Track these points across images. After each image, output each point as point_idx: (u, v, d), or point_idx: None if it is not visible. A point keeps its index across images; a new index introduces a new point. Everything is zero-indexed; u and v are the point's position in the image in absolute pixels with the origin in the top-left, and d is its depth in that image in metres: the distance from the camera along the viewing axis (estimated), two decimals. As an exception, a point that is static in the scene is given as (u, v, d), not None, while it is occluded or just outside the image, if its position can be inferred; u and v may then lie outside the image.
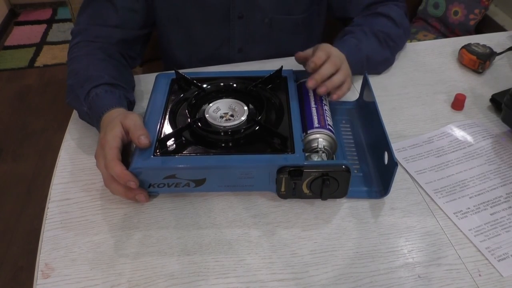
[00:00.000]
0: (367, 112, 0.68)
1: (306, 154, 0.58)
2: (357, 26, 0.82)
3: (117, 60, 0.75)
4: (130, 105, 0.70)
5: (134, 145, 0.59)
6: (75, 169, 0.65)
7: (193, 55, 0.91)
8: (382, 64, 0.83)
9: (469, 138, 0.69)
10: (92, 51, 0.74)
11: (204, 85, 0.68)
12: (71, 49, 0.76)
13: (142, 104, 0.76)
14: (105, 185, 0.58)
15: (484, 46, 0.84)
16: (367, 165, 0.63)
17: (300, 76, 0.71)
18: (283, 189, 0.58)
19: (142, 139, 0.56)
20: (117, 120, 0.59)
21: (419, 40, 1.55)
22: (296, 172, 0.55)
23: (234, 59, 0.90)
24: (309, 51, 0.72)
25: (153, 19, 0.85)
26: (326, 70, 0.65)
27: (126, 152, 0.60)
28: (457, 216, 0.58)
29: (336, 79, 0.66)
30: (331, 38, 0.98)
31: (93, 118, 0.66)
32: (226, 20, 0.84)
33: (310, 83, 0.64)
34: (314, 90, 0.67)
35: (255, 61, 0.86)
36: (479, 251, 0.54)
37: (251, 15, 0.84)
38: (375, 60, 0.80)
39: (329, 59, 0.67)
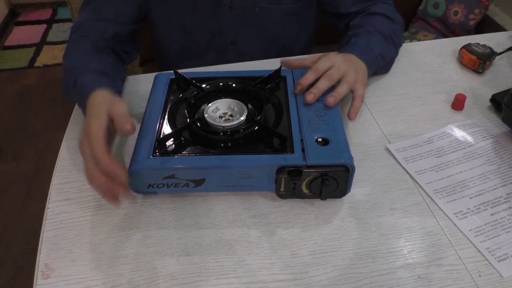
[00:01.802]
0: None
1: None
2: (358, 28, 0.82)
3: (106, 53, 0.76)
4: (116, 95, 0.68)
5: (134, 145, 0.59)
6: (75, 169, 0.65)
7: (186, 48, 0.91)
8: (390, 63, 0.83)
9: (469, 138, 0.69)
10: (82, 45, 0.75)
11: (203, 85, 0.68)
12: (67, 46, 0.77)
13: (142, 104, 0.75)
14: (87, 174, 0.55)
15: (484, 46, 0.84)
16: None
17: (298, 76, 0.71)
18: (282, 189, 0.57)
19: (126, 126, 0.55)
20: (103, 107, 0.57)
21: (419, 40, 1.55)
22: (295, 172, 0.55)
23: (228, 52, 0.90)
24: (311, 58, 0.72)
25: (145, 13, 0.86)
26: (321, 85, 0.65)
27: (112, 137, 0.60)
28: (457, 216, 0.58)
29: (342, 89, 0.66)
30: (322, 32, 0.99)
31: (81, 102, 0.65)
32: (217, 10, 0.84)
33: (309, 98, 0.64)
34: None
35: (254, 61, 0.86)
36: (479, 251, 0.54)
37: (241, 4, 0.84)
38: (387, 57, 0.80)
39: (325, 73, 0.67)
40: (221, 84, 0.69)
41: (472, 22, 1.49)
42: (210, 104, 0.64)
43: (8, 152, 1.90)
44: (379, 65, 0.78)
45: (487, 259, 0.53)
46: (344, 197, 0.60)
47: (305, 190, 0.57)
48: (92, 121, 0.56)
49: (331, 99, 0.64)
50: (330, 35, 0.99)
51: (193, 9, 0.85)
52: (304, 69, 0.69)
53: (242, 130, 0.60)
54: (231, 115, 0.63)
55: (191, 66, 0.86)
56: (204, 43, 0.90)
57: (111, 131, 0.58)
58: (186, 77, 0.69)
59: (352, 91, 0.69)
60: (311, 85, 0.66)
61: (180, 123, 0.63)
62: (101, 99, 0.60)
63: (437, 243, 0.55)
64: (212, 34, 0.88)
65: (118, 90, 0.71)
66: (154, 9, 0.86)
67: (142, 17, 0.86)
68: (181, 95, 0.68)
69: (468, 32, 1.51)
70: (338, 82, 0.67)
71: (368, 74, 0.75)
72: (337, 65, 0.68)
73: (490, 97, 0.76)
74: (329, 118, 0.62)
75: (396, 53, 0.84)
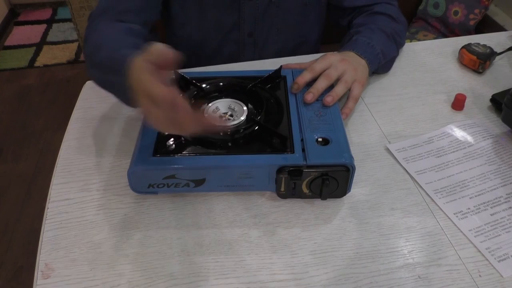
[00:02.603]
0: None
1: None
2: (360, 26, 0.82)
3: (144, 40, 0.69)
4: None
5: (135, 145, 0.59)
6: (75, 169, 0.65)
7: (205, 42, 0.91)
8: (391, 62, 0.83)
9: (469, 138, 0.69)
10: (117, 26, 0.71)
11: (203, 85, 0.68)
12: (94, 23, 0.72)
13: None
14: (156, 124, 0.49)
15: (484, 46, 0.84)
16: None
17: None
18: (282, 189, 0.57)
19: (170, 55, 0.48)
20: (141, 58, 0.50)
21: (419, 40, 1.55)
22: (295, 172, 0.55)
23: (244, 45, 0.90)
24: (311, 61, 0.73)
25: (161, 7, 0.84)
26: (320, 84, 0.66)
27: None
28: (457, 216, 0.58)
29: (339, 89, 0.67)
30: (325, 32, 0.98)
31: (117, 72, 0.55)
32: (236, 3, 0.84)
33: (308, 97, 0.65)
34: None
35: (254, 60, 0.86)
36: (479, 251, 0.54)
37: None
38: (389, 55, 0.80)
39: (323, 72, 0.68)
40: (221, 84, 0.69)
41: (472, 22, 1.49)
42: (210, 104, 0.64)
43: (8, 152, 1.90)
44: (381, 62, 0.78)
45: (487, 259, 0.53)
46: (344, 197, 0.60)
47: (305, 190, 0.57)
48: (142, 77, 0.48)
49: (328, 99, 0.65)
50: (333, 34, 0.99)
51: (212, 4, 0.84)
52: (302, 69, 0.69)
53: (242, 130, 0.60)
54: (231, 115, 0.63)
55: (206, 61, 0.85)
56: (221, 37, 0.89)
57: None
58: (186, 77, 0.69)
59: (348, 90, 0.69)
60: (310, 85, 0.67)
61: (180, 123, 0.63)
62: (139, 59, 0.52)
63: (437, 243, 0.55)
64: (229, 28, 0.88)
65: None
66: (173, 4, 0.85)
67: (159, 10, 0.84)
68: (181, 95, 0.68)
69: (468, 32, 1.51)
70: (337, 82, 0.68)
71: (369, 72, 0.75)
72: (334, 65, 0.68)
73: (490, 97, 0.76)
74: (329, 118, 0.62)
75: (397, 53, 0.84)
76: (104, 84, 0.65)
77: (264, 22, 0.88)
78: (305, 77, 0.67)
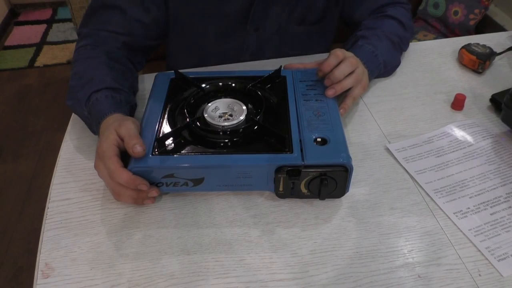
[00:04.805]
0: None
1: None
2: (369, 29, 0.81)
3: (122, 64, 0.74)
4: (132, 109, 0.69)
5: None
6: (75, 169, 0.65)
7: (203, 63, 0.89)
8: (394, 69, 0.83)
9: (469, 138, 0.69)
10: (97, 54, 0.73)
11: (203, 85, 0.68)
12: (77, 50, 0.75)
13: (142, 103, 0.76)
14: (115, 195, 0.57)
15: (484, 46, 0.84)
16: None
17: (298, 76, 0.71)
18: (281, 188, 0.58)
19: (136, 148, 0.55)
20: (112, 128, 0.58)
21: (419, 40, 1.55)
22: (294, 172, 0.55)
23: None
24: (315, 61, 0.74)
25: (164, 32, 0.85)
26: (342, 70, 0.67)
27: (127, 155, 0.59)
28: (457, 216, 0.58)
29: (346, 82, 0.68)
30: (339, 40, 0.99)
31: (92, 123, 0.65)
32: (242, 33, 0.84)
33: (327, 82, 0.66)
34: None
35: (255, 61, 0.86)
36: (479, 251, 0.54)
37: (267, 26, 0.84)
38: (391, 65, 0.81)
39: (345, 59, 0.68)
40: (221, 84, 0.69)
41: (472, 22, 1.50)
42: (209, 104, 0.64)
43: (8, 152, 1.90)
44: (380, 71, 0.78)
45: (487, 259, 0.53)
46: (344, 197, 0.60)
47: (304, 190, 0.57)
48: (103, 142, 0.57)
49: (331, 92, 0.65)
50: (336, 35, 0.99)
51: (215, 34, 0.84)
52: (306, 69, 0.70)
53: (241, 129, 0.60)
54: (230, 115, 0.63)
55: None
56: (222, 59, 0.88)
57: (123, 150, 0.58)
58: (187, 76, 0.69)
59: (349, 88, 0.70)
60: (310, 80, 0.68)
61: (180, 123, 0.63)
62: (112, 121, 0.60)
63: (437, 242, 0.55)
64: (231, 54, 0.87)
65: (132, 104, 0.69)
66: (174, 29, 0.84)
67: (161, 35, 0.84)
68: (181, 94, 0.68)
69: (468, 32, 1.51)
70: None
71: (369, 80, 0.75)
72: (348, 59, 0.69)
73: (490, 97, 0.76)
74: (327, 118, 0.62)
75: (400, 59, 0.84)
76: (78, 114, 0.71)
77: (268, 47, 0.88)
78: (331, 64, 0.68)
